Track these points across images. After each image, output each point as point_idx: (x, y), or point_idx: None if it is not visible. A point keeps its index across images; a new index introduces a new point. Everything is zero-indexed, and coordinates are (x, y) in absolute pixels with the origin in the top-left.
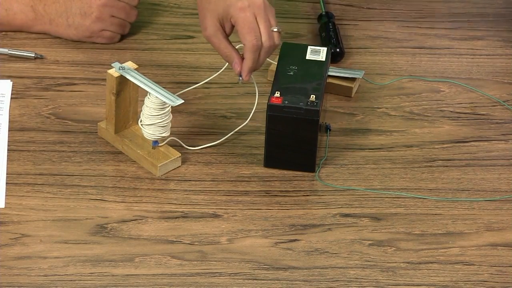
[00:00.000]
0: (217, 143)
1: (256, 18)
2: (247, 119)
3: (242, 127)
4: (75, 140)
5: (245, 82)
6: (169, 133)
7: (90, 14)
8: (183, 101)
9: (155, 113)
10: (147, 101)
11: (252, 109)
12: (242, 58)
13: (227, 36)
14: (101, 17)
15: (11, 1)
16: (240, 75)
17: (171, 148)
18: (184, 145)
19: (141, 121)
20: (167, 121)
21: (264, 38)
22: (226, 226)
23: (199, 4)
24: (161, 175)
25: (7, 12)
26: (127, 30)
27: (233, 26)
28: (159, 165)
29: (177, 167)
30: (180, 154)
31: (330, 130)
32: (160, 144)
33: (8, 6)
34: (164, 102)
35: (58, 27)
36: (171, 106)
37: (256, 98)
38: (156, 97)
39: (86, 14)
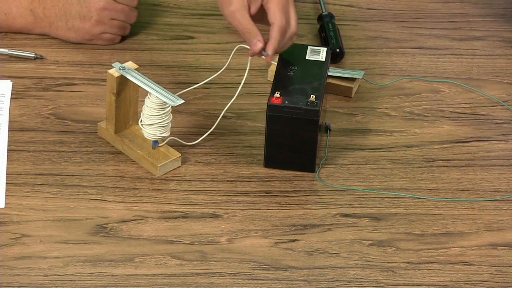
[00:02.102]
0: (211, 131)
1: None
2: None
3: (230, 105)
4: (75, 140)
5: (268, 62)
6: (169, 133)
7: (89, 18)
8: (183, 101)
9: (155, 113)
10: (148, 101)
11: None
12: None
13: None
14: (101, 20)
15: (10, 5)
16: (264, 50)
17: (171, 148)
18: (183, 142)
19: (141, 121)
20: (167, 121)
21: (293, 22)
22: (226, 226)
23: None
24: (161, 175)
25: (7, 16)
26: (128, 31)
27: (259, 7)
28: (159, 165)
29: (177, 167)
30: (180, 155)
31: (330, 130)
32: (160, 144)
33: (7, 10)
34: (165, 102)
35: (58, 30)
36: (171, 106)
37: (245, 75)
38: (157, 97)
39: (85, 18)
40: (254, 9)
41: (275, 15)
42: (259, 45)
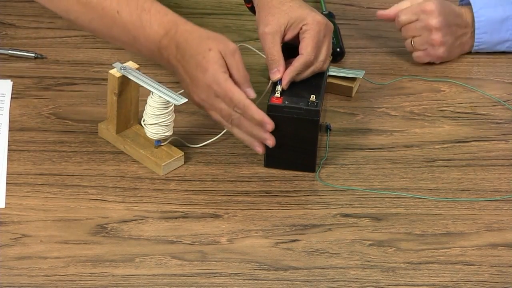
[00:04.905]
0: (219, 137)
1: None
2: None
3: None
4: (76, 140)
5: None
6: (171, 132)
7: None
8: (186, 99)
9: (158, 112)
10: (150, 100)
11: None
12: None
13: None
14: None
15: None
16: (279, 83)
17: (173, 147)
18: (186, 143)
19: (144, 121)
20: (170, 120)
21: (321, 58)
22: (226, 226)
23: (265, 2)
24: (163, 175)
25: (135, 40)
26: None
27: (295, 36)
28: (163, 164)
29: (179, 167)
30: (183, 153)
31: (330, 130)
32: (162, 143)
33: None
34: (167, 101)
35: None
36: (174, 105)
37: (262, 96)
38: (160, 96)
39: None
40: (289, 36)
41: (306, 48)
42: (277, 75)
